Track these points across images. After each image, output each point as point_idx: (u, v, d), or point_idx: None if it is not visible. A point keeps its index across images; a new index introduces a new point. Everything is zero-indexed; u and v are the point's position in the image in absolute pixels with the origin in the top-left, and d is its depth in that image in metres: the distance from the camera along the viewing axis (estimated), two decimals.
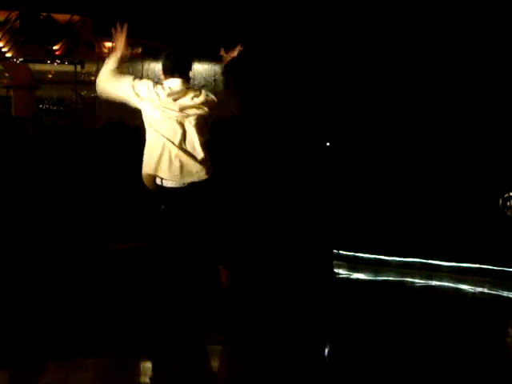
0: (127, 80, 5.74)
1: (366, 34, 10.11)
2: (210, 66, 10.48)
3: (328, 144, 10.53)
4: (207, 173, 5.66)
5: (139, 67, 10.22)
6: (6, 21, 13.75)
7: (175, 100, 5.66)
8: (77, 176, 8.58)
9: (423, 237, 9.80)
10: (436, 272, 9.57)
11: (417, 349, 5.99)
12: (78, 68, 14.61)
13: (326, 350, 6.30)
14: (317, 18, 10.23)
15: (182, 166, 5.53)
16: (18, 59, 15.23)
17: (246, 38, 10.26)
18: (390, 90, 10.11)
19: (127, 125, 8.69)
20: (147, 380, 5.48)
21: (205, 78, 10.41)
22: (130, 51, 6.04)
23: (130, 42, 10.37)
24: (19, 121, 9.00)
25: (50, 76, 17.02)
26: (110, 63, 5.77)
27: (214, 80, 10.41)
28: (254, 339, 6.16)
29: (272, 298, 7.99)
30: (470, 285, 9.05)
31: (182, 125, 5.60)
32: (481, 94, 9.74)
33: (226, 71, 6.34)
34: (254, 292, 8.30)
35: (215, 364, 5.94)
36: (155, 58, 10.38)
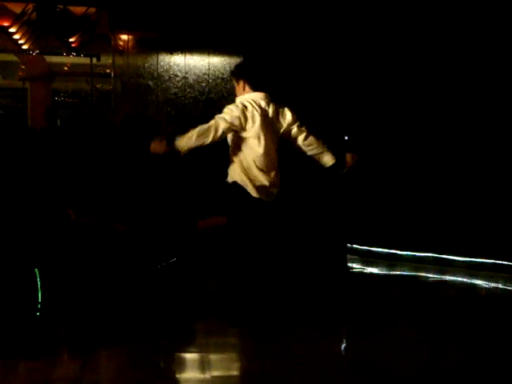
0: None
1: (385, 27, 10.09)
2: (225, 58, 10.47)
3: (346, 138, 10.49)
4: None
5: (154, 61, 10.22)
6: (23, 13, 13.80)
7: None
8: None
9: (437, 231, 9.78)
10: (450, 267, 9.56)
11: (426, 341, 6.00)
12: (94, 60, 14.67)
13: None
14: (335, 9, 10.22)
15: None
16: (34, 51, 15.30)
17: (264, 30, 10.28)
18: (409, 85, 10.08)
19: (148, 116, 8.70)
20: None
21: (220, 71, 10.40)
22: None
23: (146, 36, 10.46)
24: (32, 132, 9.04)
25: (66, 68, 17.09)
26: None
27: (229, 73, 10.41)
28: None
29: (285, 292, 8.01)
30: (483, 280, 9.03)
31: None
32: (499, 89, 9.70)
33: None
34: (268, 286, 8.33)
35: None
36: (170, 52, 10.40)
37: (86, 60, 14.97)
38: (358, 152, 7.15)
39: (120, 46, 10.58)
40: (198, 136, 5.85)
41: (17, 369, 5.06)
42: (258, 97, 6.17)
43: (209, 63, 10.31)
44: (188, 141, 5.84)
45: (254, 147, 6.16)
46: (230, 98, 10.54)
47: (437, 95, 10.07)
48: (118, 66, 10.66)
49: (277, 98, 10.26)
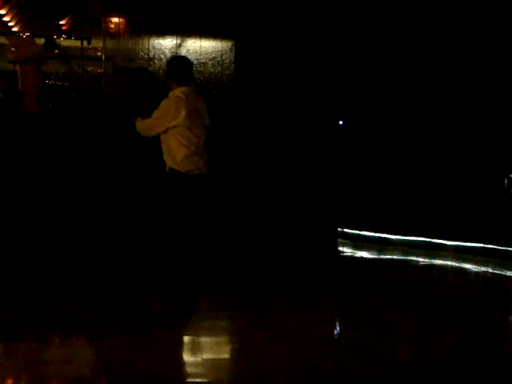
0: None
1: (382, 14, 10.08)
2: (216, 42, 10.44)
3: (341, 122, 10.51)
4: None
5: (145, 43, 10.19)
6: None
7: None
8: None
9: (428, 216, 9.83)
10: (440, 251, 9.63)
11: (416, 323, 6.05)
12: (85, 43, 14.58)
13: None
14: None
15: None
16: (24, 34, 15.20)
17: (256, 14, 10.24)
18: (403, 72, 10.08)
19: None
20: None
21: (212, 56, 10.37)
22: None
23: (138, 19, 10.40)
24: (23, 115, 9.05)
25: (57, 51, 16.98)
26: None
27: (221, 57, 10.37)
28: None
29: (277, 275, 8.07)
30: (473, 264, 9.10)
31: None
32: (491, 79, 9.71)
33: None
34: (260, 270, 8.38)
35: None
36: (161, 34, 10.35)
37: (77, 43, 14.89)
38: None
39: (111, 29, 10.51)
40: (146, 128, 6.72)
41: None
42: (185, 90, 6.64)
43: (200, 47, 10.29)
44: (140, 126, 6.77)
45: (183, 133, 6.52)
46: (220, 82, 10.58)
47: (431, 81, 10.08)
48: (108, 49, 10.61)
49: (270, 83, 10.28)
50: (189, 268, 6.64)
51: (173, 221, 6.59)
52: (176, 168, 6.52)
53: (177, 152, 6.51)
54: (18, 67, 17.12)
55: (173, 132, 6.51)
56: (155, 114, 6.57)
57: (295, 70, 10.27)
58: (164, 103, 6.57)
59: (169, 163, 6.58)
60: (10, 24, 14.55)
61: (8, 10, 13.96)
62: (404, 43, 10.10)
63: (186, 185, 6.53)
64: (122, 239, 8.62)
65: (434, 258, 9.41)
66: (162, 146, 6.65)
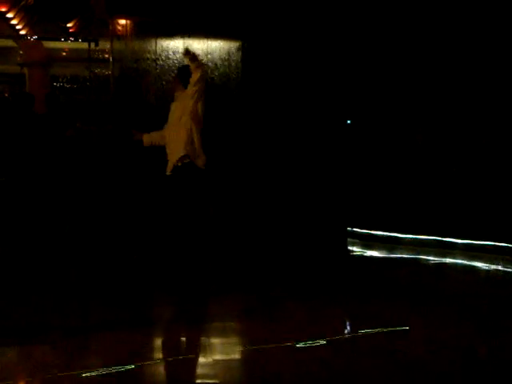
0: None
1: (392, 11, 10.03)
2: (224, 43, 10.42)
3: (349, 122, 10.49)
4: None
5: (152, 45, 10.18)
6: None
7: None
8: None
9: (438, 214, 9.79)
10: (450, 250, 9.58)
11: (427, 321, 6.02)
12: (92, 45, 14.58)
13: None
14: None
15: None
16: (32, 37, 15.21)
17: (264, 14, 10.21)
18: (413, 70, 10.04)
19: None
20: None
21: (219, 56, 10.35)
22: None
23: (144, 20, 10.39)
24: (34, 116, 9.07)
25: (64, 54, 17.00)
26: None
27: (229, 57, 10.36)
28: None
29: (287, 275, 8.05)
30: (484, 262, 9.05)
31: None
32: (504, 77, 9.65)
33: None
34: (270, 270, 8.36)
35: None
36: (168, 35, 10.34)
37: (84, 45, 14.89)
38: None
39: (118, 30, 10.52)
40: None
41: None
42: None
43: (207, 48, 10.27)
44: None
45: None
46: (228, 82, 10.55)
47: (440, 78, 10.03)
48: (116, 51, 10.62)
49: (278, 83, 10.25)
50: (200, 269, 6.65)
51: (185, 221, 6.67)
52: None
53: None
54: (25, 70, 17.14)
55: None
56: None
57: (302, 69, 10.24)
58: None
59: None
60: (18, 27, 14.58)
61: (16, 13, 13.99)
62: (413, 40, 10.06)
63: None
64: (134, 239, 8.62)
65: (445, 256, 9.37)
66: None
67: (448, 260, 9.27)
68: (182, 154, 6.81)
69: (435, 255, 9.41)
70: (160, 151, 7.13)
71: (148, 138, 7.39)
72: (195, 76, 6.85)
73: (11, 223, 8.14)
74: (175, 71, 7.91)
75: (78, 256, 8.21)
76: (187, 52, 6.88)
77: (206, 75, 7.14)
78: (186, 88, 6.95)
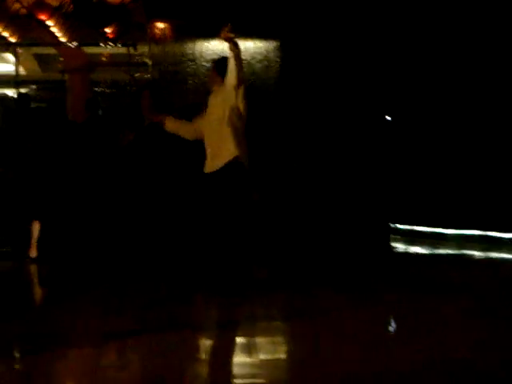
0: None
1: (432, 7, 9.96)
2: (262, 43, 10.44)
3: (389, 118, 10.44)
4: None
5: (191, 48, 10.26)
6: (60, 6, 13.91)
7: None
8: None
9: (481, 209, 9.67)
10: (495, 244, 9.46)
11: (474, 321, 5.93)
12: (131, 50, 14.72)
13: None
14: None
15: None
16: (71, 43, 15.41)
17: (301, 13, 10.21)
18: (456, 64, 9.95)
19: None
20: None
21: (258, 56, 10.38)
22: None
23: (182, 23, 10.45)
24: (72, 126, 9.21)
25: (104, 59, 17.18)
26: None
27: (267, 57, 10.37)
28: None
29: (330, 272, 8.03)
30: None
31: None
32: None
33: None
34: (314, 267, 8.36)
35: None
36: (206, 37, 10.40)
37: (123, 50, 15.04)
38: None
39: (156, 34, 10.63)
40: None
41: None
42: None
43: (245, 48, 10.30)
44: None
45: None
46: (267, 81, 10.55)
47: (484, 74, 9.92)
48: (154, 55, 10.72)
49: (318, 80, 10.23)
50: (244, 267, 6.65)
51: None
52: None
53: None
54: (66, 77, 17.36)
55: None
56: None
57: (341, 66, 10.22)
58: None
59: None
60: (58, 34, 14.78)
61: (55, 21, 14.19)
62: (456, 36, 9.97)
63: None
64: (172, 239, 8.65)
65: (490, 251, 9.25)
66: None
67: (493, 254, 9.15)
68: (235, 155, 6.57)
69: (481, 250, 9.29)
70: (193, 147, 7.04)
71: (173, 124, 7.01)
72: (239, 75, 6.59)
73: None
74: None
75: (126, 254, 8.35)
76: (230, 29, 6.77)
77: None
78: (223, 81, 6.65)
